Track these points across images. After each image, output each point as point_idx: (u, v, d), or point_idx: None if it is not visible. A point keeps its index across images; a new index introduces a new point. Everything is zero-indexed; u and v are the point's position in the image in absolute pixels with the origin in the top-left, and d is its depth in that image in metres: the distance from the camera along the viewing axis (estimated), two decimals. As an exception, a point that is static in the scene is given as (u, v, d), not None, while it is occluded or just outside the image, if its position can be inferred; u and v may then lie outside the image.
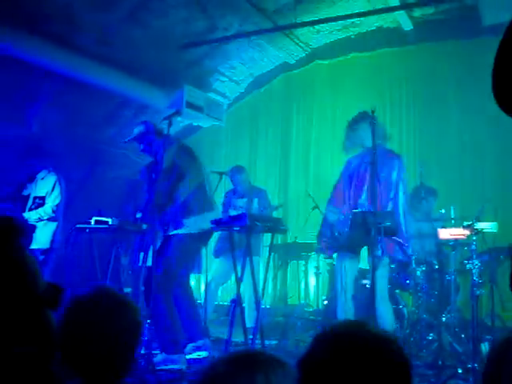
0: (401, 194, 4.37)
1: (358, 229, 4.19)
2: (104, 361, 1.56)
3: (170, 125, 4.18)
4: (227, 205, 6.21)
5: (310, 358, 1.16)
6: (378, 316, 3.93)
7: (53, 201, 5.51)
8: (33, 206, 5.49)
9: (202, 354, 4.51)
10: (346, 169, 4.61)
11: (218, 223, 4.36)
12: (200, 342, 4.51)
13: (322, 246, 4.57)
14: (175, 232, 4.39)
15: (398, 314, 5.08)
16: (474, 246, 4.18)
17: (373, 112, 3.95)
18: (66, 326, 1.58)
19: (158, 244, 4.31)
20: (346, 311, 4.32)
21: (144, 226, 4.55)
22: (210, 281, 5.73)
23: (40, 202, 5.49)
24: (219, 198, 6.42)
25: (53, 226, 5.48)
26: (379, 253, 4.07)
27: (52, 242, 5.46)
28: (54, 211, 5.48)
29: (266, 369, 1.13)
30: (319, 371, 1.13)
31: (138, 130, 4.60)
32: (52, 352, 1.21)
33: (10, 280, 1.09)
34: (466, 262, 4.67)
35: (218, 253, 6.07)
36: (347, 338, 1.16)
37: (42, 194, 5.52)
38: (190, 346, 4.50)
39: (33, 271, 1.14)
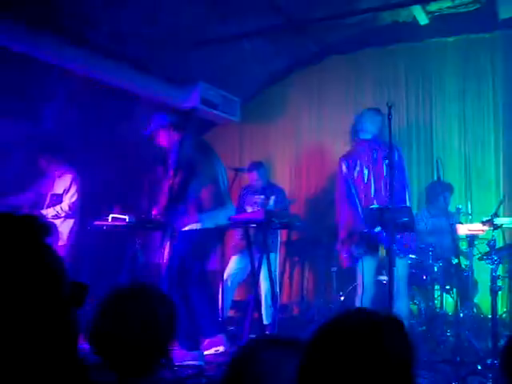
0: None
1: (375, 226, 4.18)
2: (140, 354, 1.58)
3: (186, 121, 4.20)
4: (243, 201, 6.21)
5: (311, 345, 1.17)
6: (395, 311, 3.92)
7: (70, 198, 5.56)
8: (50, 204, 5.54)
9: (220, 349, 4.53)
10: (348, 168, 4.59)
11: (234, 220, 4.37)
12: (217, 338, 4.52)
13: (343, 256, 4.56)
14: (190, 228, 4.40)
15: (416, 310, 5.07)
16: (492, 242, 4.15)
17: (390, 107, 3.93)
18: (102, 319, 1.60)
19: (174, 240, 4.33)
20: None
21: (160, 223, 4.57)
22: (226, 277, 5.74)
23: (57, 199, 5.54)
24: (235, 195, 6.42)
25: (70, 223, 5.53)
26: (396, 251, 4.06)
27: (69, 239, 5.51)
28: (70, 208, 5.53)
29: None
30: (321, 357, 1.13)
31: (155, 122, 4.62)
32: (76, 350, 1.21)
33: (40, 280, 1.09)
34: (484, 257, 4.65)
35: (234, 249, 6.08)
36: (347, 324, 1.17)
37: (59, 191, 5.58)
38: (207, 342, 4.52)
39: (61, 270, 1.14)
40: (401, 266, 4.21)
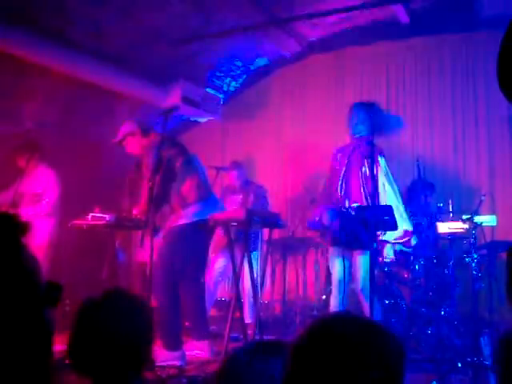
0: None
1: (355, 224, 4.18)
2: (117, 366, 1.54)
3: (166, 120, 4.16)
4: (224, 200, 6.20)
5: (298, 346, 1.15)
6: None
7: (49, 197, 5.50)
8: (30, 203, 5.48)
9: (202, 352, 4.49)
10: (334, 160, 4.59)
11: (215, 218, 4.34)
12: (201, 343, 4.48)
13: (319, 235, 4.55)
14: (174, 224, 4.37)
15: (396, 309, 5.08)
16: (472, 240, 4.17)
17: (373, 105, 3.93)
18: (77, 334, 1.55)
19: (157, 239, 4.29)
20: (341, 306, 4.30)
21: (141, 222, 4.53)
22: (208, 276, 5.72)
23: (37, 198, 5.48)
24: (216, 193, 6.40)
25: (50, 222, 5.47)
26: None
27: (49, 238, 5.44)
28: (50, 207, 5.47)
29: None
30: (307, 359, 1.12)
31: (123, 130, 4.58)
32: (51, 352, 1.19)
33: (14, 280, 1.07)
34: (464, 255, 4.68)
35: (216, 248, 6.06)
36: (336, 326, 1.16)
37: (38, 190, 5.51)
38: (190, 344, 4.48)
39: (36, 270, 1.12)
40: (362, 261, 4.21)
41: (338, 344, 1.11)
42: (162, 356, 4.13)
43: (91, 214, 4.76)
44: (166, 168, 4.22)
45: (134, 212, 4.61)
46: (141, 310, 1.66)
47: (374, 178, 3.93)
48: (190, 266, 4.43)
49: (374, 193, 3.92)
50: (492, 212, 5.75)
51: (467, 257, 4.30)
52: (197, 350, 4.45)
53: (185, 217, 4.35)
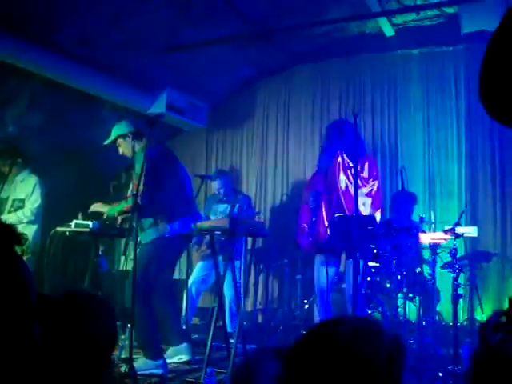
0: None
1: (339, 233, 4.21)
2: (75, 367, 1.50)
3: (151, 127, 4.15)
4: (208, 210, 6.19)
5: (294, 355, 1.16)
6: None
7: (32, 203, 5.45)
8: (12, 209, 5.43)
9: (183, 358, 4.49)
10: (320, 168, 4.63)
11: (199, 227, 4.34)
12: (181, 346, 4.49)
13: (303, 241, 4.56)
14: (155, 236, 4.35)
15: (379, 318, 5.11)
16: (454, 251, 4.22)
17: (355, 116, 3.97)
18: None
19: (139, 248, 4.28)
20: (325, 313, 4.33)
21: (125, 230, 4.52)
22: (190, 285, 5.71)
23: (19, 204, 5.43)
24: (201, 202, 6.41)
25: (32, 228, 5.42)
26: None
27: (32, 245, 5.39)
28: (33, 214, 5.42)
29: None
30: (304, 368, 1.12)
31: (115, 131, 4.55)
32: (37, 363, 1.18)
33: (11, 292, 1.06)
34: (446, 266, 4.72)
35: (199, 257, 6.05)
36: (332, 333, 1.16)
37: (21, 196, 5.46)
38: (170, 350, 4.47)
39: (31, 281, 1.11)
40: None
41: (335, 350, 1.11)
42: (143, 365, 4.10)
43: (75, 221, 4.73)
44: (153, 176, 4.20)
45: (119, 219, 4.58)
46: (99, 312, 1.61)
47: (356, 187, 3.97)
48: (165, 275, 4.46)
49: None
50: (473, 223, 5.83)
51: (449, 267, 4.34)
52: (178, 355, 4.44)
53: (168, 229, 4.34)
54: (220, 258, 4.80)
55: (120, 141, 4.52)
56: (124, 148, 4.52)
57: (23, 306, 1.08)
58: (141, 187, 4.01)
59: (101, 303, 1.67)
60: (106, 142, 4.60)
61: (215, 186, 6.26)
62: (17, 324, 1.07)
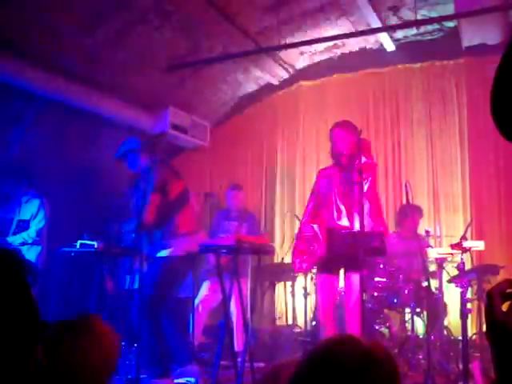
0: None
1: (340, 248, 4.18)
2: None
3: (155, 146, 4.17)
4: (216, 226, 6.16)
5: (298, 374, 1.15)
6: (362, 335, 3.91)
7: (37, 224, 5.44)
8: (17, 230, 5.42)
9: (190, 378, 4.45)
10: (318, 184, 4.60)
11: (205, 245, 4.33)
12: (188, 367, 4.45)
13: (296, 262, 4.49)
14: (161, 254, 4.34)
15: (386, 334, 5.07)
16: (461, 265, 4.20)
17: (360, 132, 3.97)
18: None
19: (145, 267, 4.27)
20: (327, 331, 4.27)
21: (130, 249, 4.51)
22: (197, 304, 5.67)
23: (24, 225, 5.43)
24: (204, 220, 6.38)
25: (37, 249, 5.41)
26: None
27: (36, 266, 5.38)
28: (38, 235, 5.42)
29: None
30: None
31: (125, 147, 4.58)
32: None
33: (22, 320, 1.06)
34: (453, 280, 4.69)
35: (206, 274, 6.02)
36: (334, 354, 1.14)
37: (26, 217, 5.46)
38: (178, 371, 4.43)
39: (38, 311, 1.11)
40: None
41: (337, 372, 1.10)
42: (150, 385, 4.07)
43: (79, 241, 4.73)
44: (159, 194, 4.21)
45: (127, 236, 4.57)
46: (100, 343, 1.60)
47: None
48: (172, 295, 4.44)
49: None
50: (479, 236, 5.81)
51: (456, 281, 4.31)
52: (185, 376, 4.40)
53: (176, 248, 4.33)
54: (226, 276, 4.77)
55: (129, 156, 4.54)
56: (132, 163, 4.54)
57: (30, 332, 1.08)
58: (147, 204, 4.01)
59: (103, 334, 1.66)
60: (116, 156, 4.62)
61: (235, 196, 6.20)
62: (22, 349, 1.07)
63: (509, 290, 1.03)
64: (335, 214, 4.33)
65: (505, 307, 1.02)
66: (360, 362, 1.11)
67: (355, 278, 4.12)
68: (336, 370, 1.10)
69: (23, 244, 5.34)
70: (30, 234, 5.39)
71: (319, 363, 1.13)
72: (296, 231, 4.75)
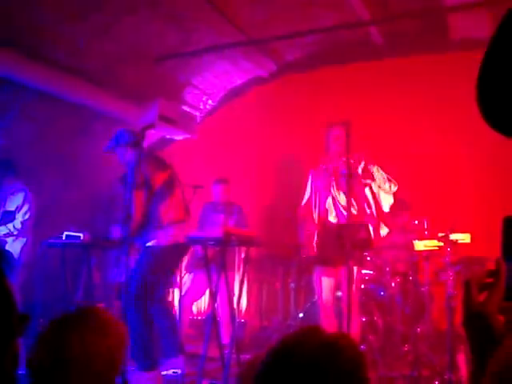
0: None
1: (333, 241, 4.21)
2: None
3: (142, 138, 4.15)
4: (204, 219, 6.15)
5: (261, 371, 1.15)
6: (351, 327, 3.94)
7: (22, 216, 5.41)
8: (2, 221, 5.38)
9: (178, 371, 4.45)
10: (313, 180, 4.63)
11: (192, 237, 4.32)
12: (175, 359, 4.45)
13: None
14: (148, 245, 4.33)
15: (373, 326, 5.10)
16: (447, 258, 4.22)
17: (347, 125, 3.97)
18: (39, 350, 1.49)
19: (132, 259, 4.25)
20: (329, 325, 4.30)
21: (117, 241, 4.49)
22: (183, 296, 5.67)
23: (9, 216, 5.39)
24: (193, 212, 6.37)
25: (22, 241, 5.38)
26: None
27: (22, 257, 5.34)
28: (23, 226, 5.38)
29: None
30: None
31: (113, 140, 4.56)
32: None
33: None
34: (440, 273, 4.72)
35: (191, 267, 6.02)
36: (295, 347, 1.14)
37: (11, 208, 5.42)
38: (165, 363, 4.43)
39: (14, 302, 1.09)
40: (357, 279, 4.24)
41: (298, 362, 1.10)
42: (137, 378, 4.07)
43: (66, 233, 4.71)
44: (145, 185, 4.20)
45: (113, 231, 4.54)
46: (108, 335, 1.59)
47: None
48: (160, 286, 4.43)
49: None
50: (465, 229, 5.83)
51: (443, 274, 4.34)
52: (172, 369, 4.41)
53: (161, 238, 4.32)
54: (213, 267, 4.76)
55: (118, 149, 4.53)
56: (121, 157, 4.54)
57: (6, 323, 1.07)
58: (134, 197, 4.00)
59: (109, 325, 1.64)
60: (105, 150, 4.61)
61: (217, 192, 6.20)
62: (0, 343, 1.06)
63: (486, 280, 1.04)
64: (332, 210, 4.36)
65: (481, 297, 1.03)
66: (321, 352, 1.11)
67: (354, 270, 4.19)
68: (297, 360, 1.10)
69: (8, 235, 5.30)
70: (16, 225, 5.35)
71: (281, 355, 1.13)
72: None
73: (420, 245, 4.67)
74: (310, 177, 4.70)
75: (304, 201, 4.66)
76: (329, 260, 4.31)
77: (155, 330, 4.35)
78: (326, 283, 4.34)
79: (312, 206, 4.55)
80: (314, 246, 4.39)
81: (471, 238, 4.95)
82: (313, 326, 1.22)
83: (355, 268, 4.25)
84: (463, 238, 4.42)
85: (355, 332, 4.18)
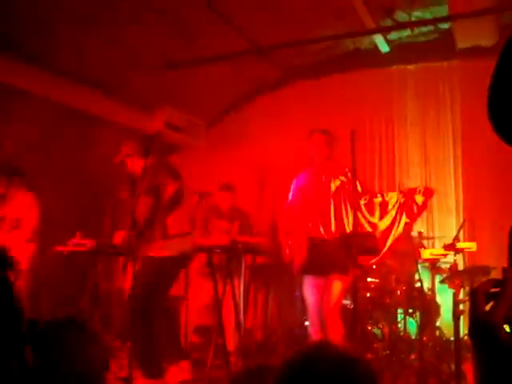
0: None
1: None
2: None
3: (150, 145, 4.17)
4: (208, 224, 6.16)
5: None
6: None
7: (29, 222, 5.42)
8: (9, 228, 5.40)
9: (183, 377, 4.45)
10: (298, 185, 4.65)
11: (199, 245, 4.33)
12: (182, 365, 4.45)
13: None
14: (155, 255, 4.34)
15: (379, 335, 5.09)
16: (454, 266, 4.22)
17: (353, 132, 3.98)
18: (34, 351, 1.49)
19: (138, 266, 4.26)
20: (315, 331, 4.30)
21: (123, 248, 4.50)
22: (189, 302, 5.67)
23: (16, 223, 5.41)
24: (199, 219, 6.38)
25: (30, 247, 5.39)
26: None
27: (28, 264, 5.35)
28: (30, 233, 5.39)
29: None
30: None
31: (123, 152, 4.60)
32: None
33: (5, 320, 1.05)
34: (446, 281, 4.71)
35: (197, 274, 6.02)
36: (308, 362, 1.15)
37: (18, 215, 5.44)
38: (171, 369, 4.43)
39: (22, 309, 1.10)
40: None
41: (313, 380, 1.11)
42: (144, 384, 4.07)
43: (72, 240, 4.73)
44: (154, 194, 4.22)
45: (117, 238, 4.56)
46: (97, 342, 1.60)
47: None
48: (165, 294, 4.45)
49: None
50: (471, 237, 5.83)
51: (449, 282, 4.33)
52: (179, 375, 4.41)
53: (166, 249, 4.33)
54: (219, 275, 4.77)
55: (126, 160, 4.57)
56: (130, 167, 4.59)
57: (14, 331, 1.08)
58: (141, 205, 4.02)
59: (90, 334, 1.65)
60: (115, 161, 4.65)
61: (222, 198, 6.20)
62: (8, 349, 1.07)
63: (492, 290, 1.04)
64: (318, 218, 4.37)
65: (488, 307, 1.03)
66: (335, 368, 1.11)
67: (336, 282, 4.18)
68: (312, 378, 1.11)
69: (16, 242, 5.31)
70: (22, 232, 5.36)
71: (295, 372, 1.13)
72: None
73: (426, 253, 4.67)
74: (294, 183, 4.72)
75: (287, 207, 4.67)
76: (318, 269, 4.30)
77: (159, 337, 4.35)
78: (316, 292, 4.34)
79: (296, 214, 4.55)
80: (302, 259, 4.37)
81: (478, 247, 4.95)
82: (323, 341, 1.23)
83: (336, 278, 4.22)
84: (469, 246, 4.41)
85: (336, 339, 4.16)
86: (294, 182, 4.68)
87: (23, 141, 6.08)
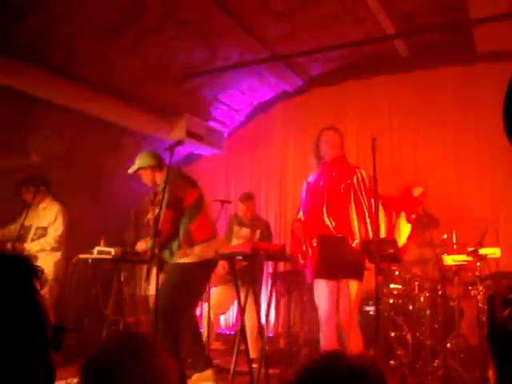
0: None
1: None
2: None
3: (171, 155, 4.21)
4: (230, 232, 6.19)
5: None
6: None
7: (55, 231, 5.51)
8: (35, 237, 5.50)
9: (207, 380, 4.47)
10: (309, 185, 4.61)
11: (221, 252, 4.36)
12: (205, 373, 4.47)
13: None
14: (179, 261, 4.38)
15: (402, 341, 5.06)
16: (477, 272, 4.18)
17: (373, 139, 3.96)
18: (98, 364, 1.46)
19: (162, 273, 4.31)
20: (329, 340, 4.22)
21: (147, 256, 4.55)
22: (209, 309, 5.69)
23: (42, 232, 5.50)
24: (221, 227, 6.43)
25: (55, 256, 5.48)
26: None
27: (55, 272, 5.44)
28: (56, 241, 5.48)
29: None
30: None
31: (137, 163, 4.64)
32: None
33: (29, 322, 1.09)
34: (469, 287, 4.68)
35: (218, 280, 6.04)
36: (322, 373, 1.16)
37: (44, 224, 5.53)
38: (195, 377, 4.46)
39: (47, 314, 1.13)
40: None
41: None
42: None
43: (97, 248, 4.80)
44: (175, 203, 4.26)
45: (141, 246, 4.61)
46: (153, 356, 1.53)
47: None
48: (188, 302, 4.47)
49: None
50: (495, 242, 5.76)
51: (472, 289, 4.30)
52: (202, 382, 4.43)
53: (191, 255, 4.37)
54: (241, 282, 4.79)
55: (141, 172, 4.62)
56: (145, 179, 4.64)
57: (40, 336, 1.11)
58: (162, 214, 4.07)
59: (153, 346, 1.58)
60: (130, 172, 4.70)
61: (242, 208, 6.22)
62: (33, 354, 1.09)
63: (510, 296, 1.04)
64: (330, 221, 4.32)
65: (506, 313, 1.03)
66: (349, 380, 1.12)
67: (353, 285, 4.13)
68: None
69: (41, 251, 5.41)
70: (49, 240, 5.46)
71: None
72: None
73: (449, 259, 4.64)
74: (305, 185, 4.68)
75: (300, 214, 4.62)
76: (332, 273, 4.22)
77: (184, 344, 4.38)
78: (331, 297, 4.25)
79: (308, 217, 4.49)
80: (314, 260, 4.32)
81: (502, 252, 4.91)
82: (336, 350, 1.23)
83: (352, 282, 4.16)
84: (493, 252, 4.38)
85: (357, 347, 4.11)
86: (305, 183, 4.65)
87: (49, 151, 6.19)
